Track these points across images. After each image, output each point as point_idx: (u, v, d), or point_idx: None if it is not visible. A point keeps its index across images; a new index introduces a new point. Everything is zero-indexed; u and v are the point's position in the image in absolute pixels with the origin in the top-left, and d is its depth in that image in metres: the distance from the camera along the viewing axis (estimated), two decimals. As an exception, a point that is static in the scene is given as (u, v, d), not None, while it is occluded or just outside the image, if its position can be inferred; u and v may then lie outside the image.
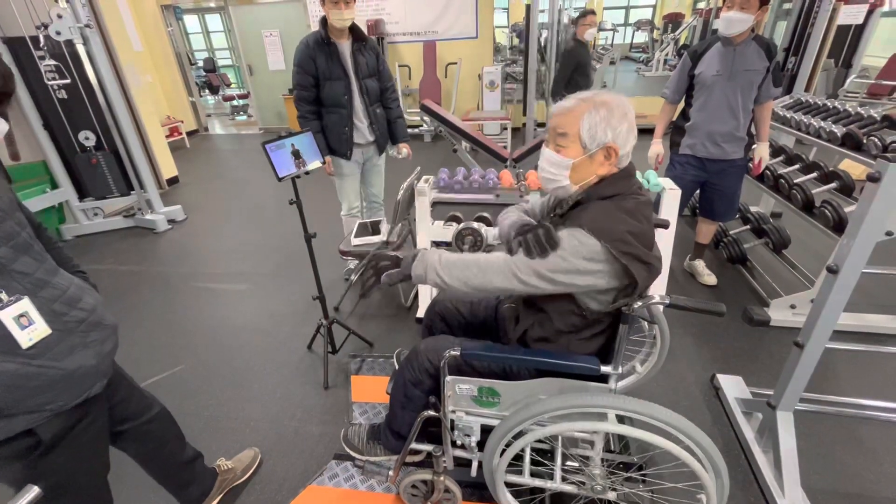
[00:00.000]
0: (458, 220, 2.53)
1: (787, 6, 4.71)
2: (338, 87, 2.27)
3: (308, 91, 2.27)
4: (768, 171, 2.45)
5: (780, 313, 2.17)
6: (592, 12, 3.87)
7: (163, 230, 3.68)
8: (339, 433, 1.65)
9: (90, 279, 1.11)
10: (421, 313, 2.35)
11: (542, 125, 5.73)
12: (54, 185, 3.51)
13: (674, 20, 10.95)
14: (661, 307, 1.03)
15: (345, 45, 2.25)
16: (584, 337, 1.09)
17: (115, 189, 3.66)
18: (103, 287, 1.12)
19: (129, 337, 1.67)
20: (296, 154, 1.71)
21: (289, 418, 1.83)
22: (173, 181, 4.86)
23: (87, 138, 3.46)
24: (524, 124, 5.79)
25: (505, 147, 4.81)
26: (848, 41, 4.93)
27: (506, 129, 5.56)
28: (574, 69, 3.81)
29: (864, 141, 2.01)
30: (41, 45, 2.96)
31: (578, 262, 0.95)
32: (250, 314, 2.55)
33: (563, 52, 3.92)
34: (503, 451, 1.15)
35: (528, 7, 5.18)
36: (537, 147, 2.94)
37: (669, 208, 1.99)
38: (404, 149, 2.61)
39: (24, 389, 0.84)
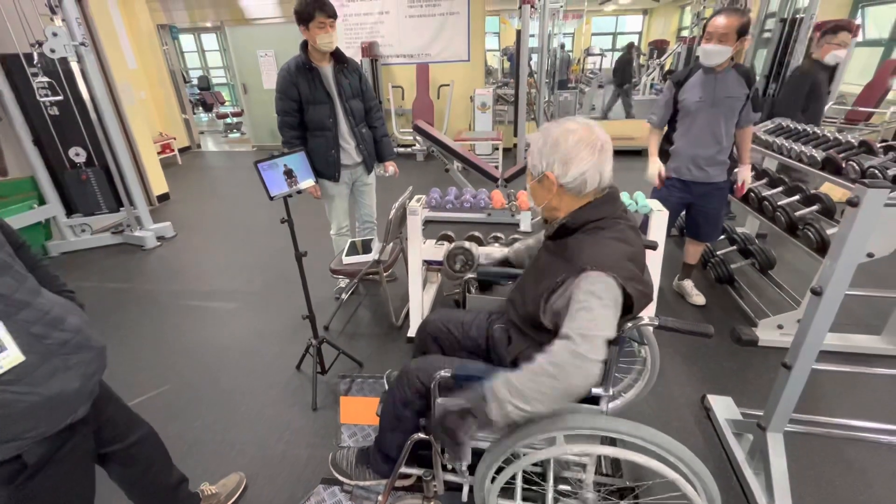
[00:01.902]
0: (449, 238, 2.54)
1: (766, 35, 4.91)
2: (322, 110, 2.27)
3: (292, 116, 2.27)
4: (752, 193, 2.51)
5: (767, 333, 2.19)
6: (848, 29, 2.93)
7: (151, 247, 3.64)
8: (328, 456, 1.61)
9: (77, 298, 1.09)
10: (412, 332, 2.34)
11: (532, 146, 5.81)
12: (42, 202, 3.47)
13: (659, 47, 11.31)
14: (650, 328, 1.04)
15: (327, 69, 2.25)
16: None
17: (104, 205, 3.63)
18: (88, 305, 1.10)
19: (112, 356, 1.59)
20: (288, 173, 1.72)
21: (276, 441, 1.79)
22: (164, 198, 4.83)
23: (78, 154, 3.44)
24: (515, 145, 5.89)
25: (496, 167, 4.88)
26: (825, 69, 5.12)
27: (497, 149, 5.64)
28: (807, 96, 2.96)
29: (844, 165, 2.08)
30: (35, 62, 2.97)
31: (615, 307, 0.93)
32: (238, 333, 2.51)
33: (794, 74, 3.22)
34: (494, 477, 1.13)
35: (518, 32, 5.34)
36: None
37: (657, 229, 2.02)
38: (390, 167, 2.63)
39: (0, 419, 0.81)
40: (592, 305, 0.91)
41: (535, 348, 1.10)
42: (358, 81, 2.36)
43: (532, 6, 5.04)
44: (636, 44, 11.74)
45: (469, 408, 0.93)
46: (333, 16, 2.10)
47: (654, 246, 1.54)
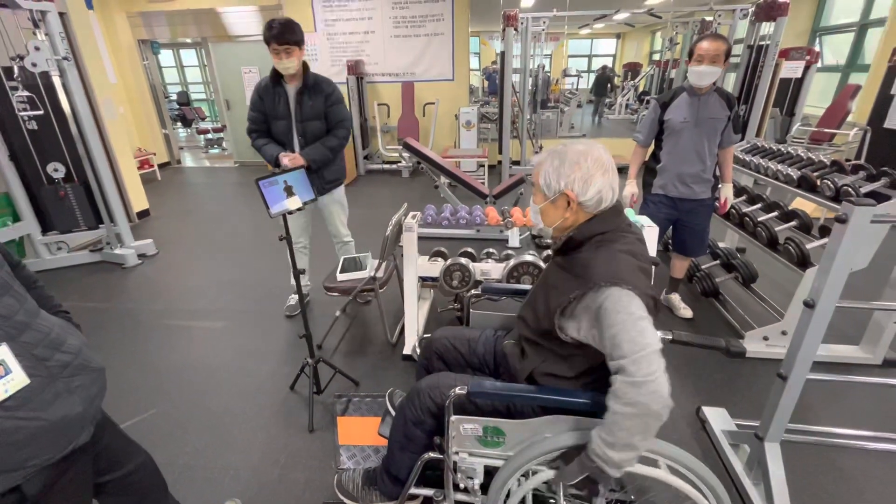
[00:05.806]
0: (443, 255, 2.55)
1: (734, 60, 5.18)
2: (281, 126, 2.36)
3: (258, 126, 2.39)
4: (734, 210, 2.62)
5: (754, 345, 2.26)
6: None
7: (132, 265, 3.52)
8: (326, 479, 1.58)
9: (73, 319, 1.05)
10: (407, 350, 2.32)
11: (516, 163, 5.94)
12: (16, 218, 3.33)
13: (633, 69, 11.80)
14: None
15: (291, 88, 2.31)
16: (595, 377, 1.11)
17: (82, 222, 3.50)
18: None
19: (95, 380, 1.56)
20: (288, 190, 1.71)
21: (272, 465, 1.73)
22: (144, 214, 4.70)
23: (57, 170, 3.33)
24: (499, 162, 6.00)
25: (482, 183, 4.94)
26: (790, 92, 5.43)
27: (482, 166, 5.73)
28: None
29: (818, 183, 2.20)
30: (15, 75, 2.88)
31: (647, 314, 0.95)
32: (227, 353, 2.44)
33: None
34: (506, 497, 1.12)
35: (502, 54, 5.49)
36: (516, 184, 3.04)
37: (648, 244, 2.07)
38: (287, 159, 2.30)
39: (2, 447, 0.77)
40: (626, 324, 0.92)
41: (554, 360, 1.12)
42: (322, 103, 2.33)
43: (515, 29, 5.21)
44: (611, 66, 12.73)
45: (594, 481, 0.99)
46: (289, 44, 2.16)
47: (655, 262, 1.59)
